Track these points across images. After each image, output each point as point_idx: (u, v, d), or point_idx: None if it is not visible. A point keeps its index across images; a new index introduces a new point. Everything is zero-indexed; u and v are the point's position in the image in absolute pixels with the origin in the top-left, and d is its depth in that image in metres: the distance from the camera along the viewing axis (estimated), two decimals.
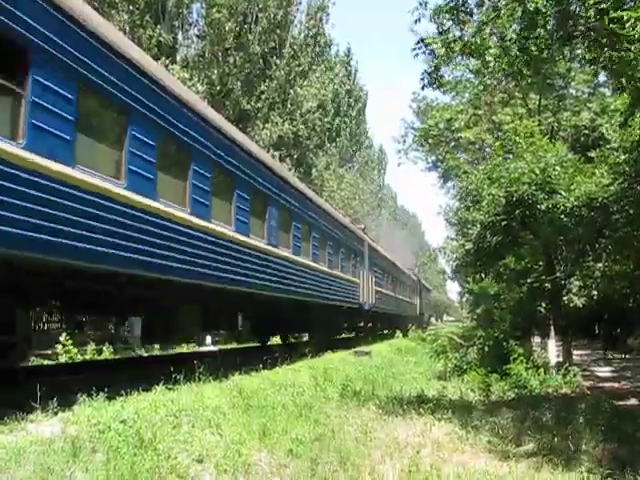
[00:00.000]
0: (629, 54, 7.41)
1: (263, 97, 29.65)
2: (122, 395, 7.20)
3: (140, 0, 24.74)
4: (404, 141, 28.85)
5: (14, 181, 6.04)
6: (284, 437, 6.62)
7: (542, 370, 13.61)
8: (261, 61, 29.29)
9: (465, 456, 6.81)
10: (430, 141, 26.25)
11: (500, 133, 20.71)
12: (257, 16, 28.80)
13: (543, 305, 18.57)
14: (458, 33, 8.11)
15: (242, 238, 11.81)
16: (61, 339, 14.47)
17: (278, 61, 30.34)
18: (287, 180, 15.34)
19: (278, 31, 30.16)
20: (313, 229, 17.26)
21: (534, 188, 12.92)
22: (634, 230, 12.95)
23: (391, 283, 33.83)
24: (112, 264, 7.78)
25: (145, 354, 17.69)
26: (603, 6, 6.94)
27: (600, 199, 12.80)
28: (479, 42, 8.32)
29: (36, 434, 5.45)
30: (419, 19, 8.10)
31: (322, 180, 37.41)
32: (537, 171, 12.98)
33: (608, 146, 13.90)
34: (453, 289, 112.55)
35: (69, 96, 6.91)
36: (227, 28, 27.18)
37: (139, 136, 8.38)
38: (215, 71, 27.41)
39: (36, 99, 6.40)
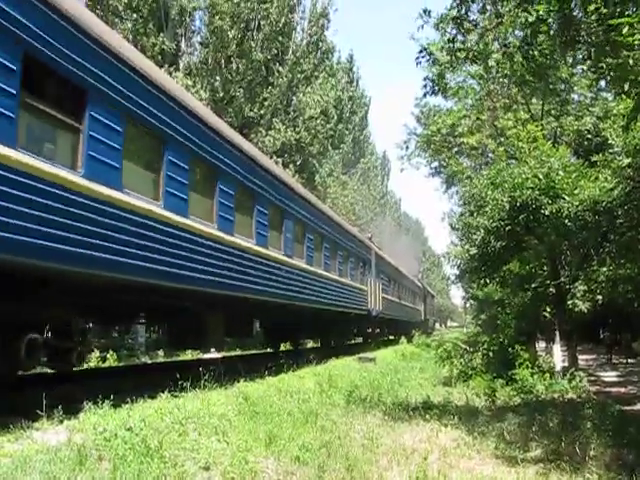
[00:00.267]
0: (628, 61, 7.40)
1: (266, 104, 29.69)
2: (128, 402, 7.21)
3: (143, 8, 24.88)
4: (407, 147, 28.91)
5: (75, 206, 6.92)
6: (290, 444, 6.59)
7: (548, 375, 13.55)
8: (263, 68, 29.32)
9: (472, 462, 6.77)
10: (433, 147, 26.26)
11: (502, 139, 20.70)
12: (259, 23, 28.87)
13: (548, 310, 18.49)
14: (461, 38, 8.11)
15: (262, 250, 12.59)
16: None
17: (280, 68, 30.39)
18: (301, 194, 16.20)
19: (280, 38, 30.21)
20: (325, 239, 18.09)
21: (538, 193, 12.88)
22: (639, 234, 12.92)
23: (397, 290, 34.20)
24: (154, 278, 8.60)
25: (149, 361, 17.69)
26: (604, 11, 6.94)
27: (604, 203, 12.75)
28: (482, 48, 8.33)
29: (42, 442, 5.46)
30: (422, 26, 8.13)
31: (325, 186, 37.45)
32: (541, 176, 12.94)
33: (611, 150, 13.83)
34: (457, 295, 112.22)
35: (117, 128, 7.81)
36: (230, 35, 27.27)
37: (174, 160, 9.27)
38: (218, 78, 27.52)
39: (92, 133, 7.32)
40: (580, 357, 19.60)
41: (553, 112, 20.81)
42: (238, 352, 21.81)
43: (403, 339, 34.49)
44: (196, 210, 9.93)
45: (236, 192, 11.47)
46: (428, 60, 8.61)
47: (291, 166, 30.24)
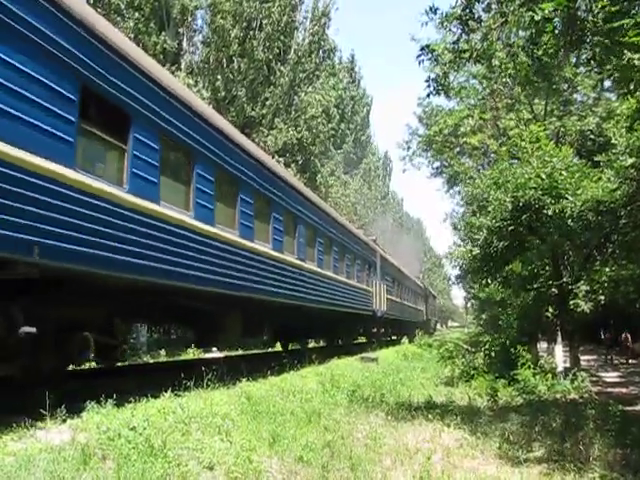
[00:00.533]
0: (632, 61, 7.38)
1: (267, 103, 29.67)
2: (131, 402, 7.19)
3: (145, 7, 24.86)
4: (408, 147, 28.96)
5: (121, 218, 7.58)
6: (294, 444, 6.58)
7: (550, 375, 13.54)
8: (265, 67, 29.27)
9: (476, 462, 6.77)
10: (434, 147, 26.28)
11: (504, 138, 20.69)
12: (261, 22, 28.82)
13: (550, 310, 18.46)
14: (465, 37, 8.09)
15: (278, 254, 13.31)
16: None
17: (282, 67, 30.34)
18: (312, 200, 16.86)
19: (282, 37, 30.15)
20: (334, 243, 18.83)
21: (540, 193, 12.87)
22: None
23: (400, 291, 34.68)
24: (185, 282, 9.19)
25: (151, 361, 17.69)
26: (611, 9, 6.92)
27: (607, 204, 12.73)
28: (486, 47, 8.31)
29: (45, 441, 5.44)
30: (426, 23, 8.10)
31: (327, 186, 37.44)
32: (543, 176, 12.93)
33: (614, 150, 13.79)
34: (458, 295, 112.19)
35: (155, 146, 8.53)
36: (232, 34, 27.25)
37: (202, 173, 9.94)
38: (220, 77, 27.47)
39: (135, 152, 8.05)
40: (581, 357, 19.57)
41: (556, 112, 20.81)
42: (240, 352, 21.80)
43: (405, 339, 34.60)
44: (221, 219, 10.62)
45: (255, 201, 12.13)
46: (430, 59, 8.57)
47: (293, 166, 30.20)
